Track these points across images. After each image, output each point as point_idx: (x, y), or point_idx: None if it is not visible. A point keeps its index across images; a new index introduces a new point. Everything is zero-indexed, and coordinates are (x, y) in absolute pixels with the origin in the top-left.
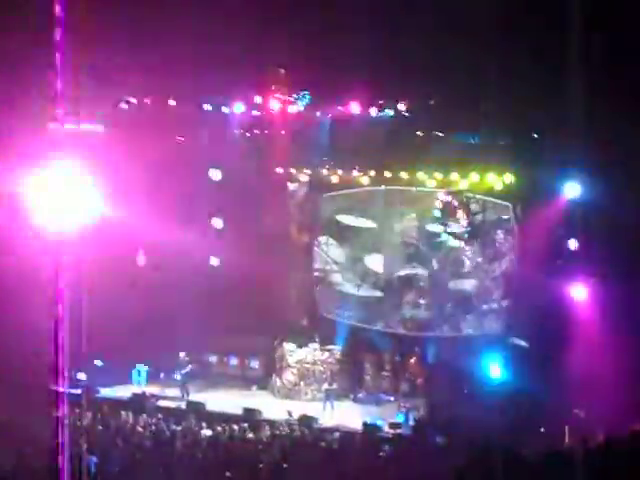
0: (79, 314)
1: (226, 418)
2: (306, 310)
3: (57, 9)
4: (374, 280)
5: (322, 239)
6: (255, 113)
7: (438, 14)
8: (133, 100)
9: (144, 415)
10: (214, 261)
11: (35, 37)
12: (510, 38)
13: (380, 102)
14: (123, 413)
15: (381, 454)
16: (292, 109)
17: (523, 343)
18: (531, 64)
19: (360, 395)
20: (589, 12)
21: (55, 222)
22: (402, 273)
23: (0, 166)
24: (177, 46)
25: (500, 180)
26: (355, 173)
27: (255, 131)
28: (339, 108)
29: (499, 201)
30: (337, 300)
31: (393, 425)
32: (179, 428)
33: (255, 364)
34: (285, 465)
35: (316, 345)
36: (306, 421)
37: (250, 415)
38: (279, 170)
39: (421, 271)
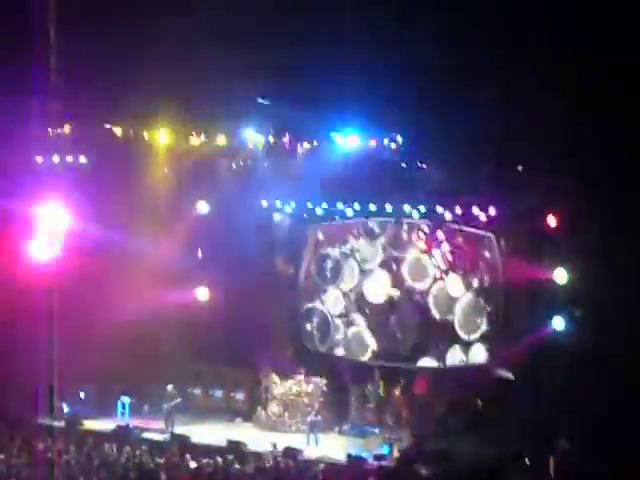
0: (62, 345)
1: (210, 450)
2: (291, 342)
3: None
4: (359, 311)
5: (307, 271)
6: (240, 145)
7: (423, 49)
8: (117, 132)
9: (128, 447)
10: (201, 294)
11: (16, 68)
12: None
13: (365, 134)
14: (106, 445)
15: None
16: (276, 141)
17: (509, 375)
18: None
19: (345, 427)
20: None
21: (34, 254)
22: (387, 304)
23: None
24: (161, 77)
25: (484, 212)
26: (340, 205)
27: (240, 163)
28: (324, 140)
29: (483, 232)
30: (322, 331)
31: (378, 457)
32: (163, 460)
33: (240, 396)
34: None
35: (301, 377)
36: (291, 453)
37: (234, 447)
38: (264, 202)
39: (406, 302)
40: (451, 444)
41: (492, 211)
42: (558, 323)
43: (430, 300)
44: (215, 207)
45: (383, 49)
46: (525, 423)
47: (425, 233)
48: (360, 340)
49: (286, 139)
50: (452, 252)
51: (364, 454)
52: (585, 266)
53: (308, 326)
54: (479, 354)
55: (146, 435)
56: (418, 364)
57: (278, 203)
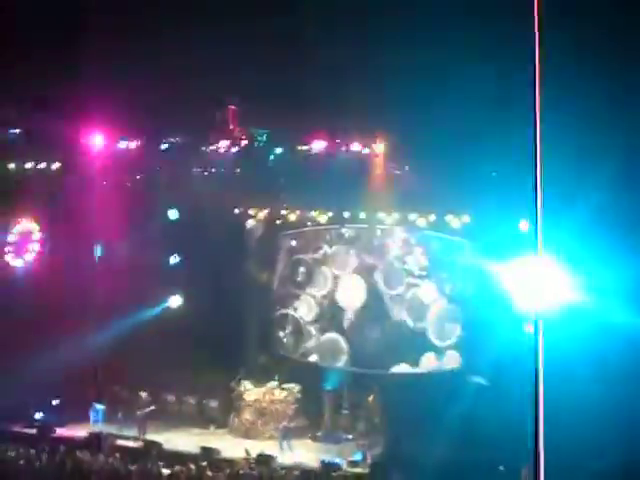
0: (34, 353)
1: (184, 457)
2: (265, 349)
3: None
4: (333, 318)
5: (280, 277)
6: (211, 151)
7: (393, 51)
8: (89, 140)
9: (101, 455)
10: (173, 301)
11: None
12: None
13: (338, 141)
14: (79, 453)
15: None
16: (249, 148)
17: (482, 381)
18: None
19: (318, 434)
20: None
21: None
22: (360, 311)
23: None
24: (133, 85)
25: (458, 218)
26: (313, 212)
27: (212, 170)
28: (298, 147)
29: (457, 238)
30: (296, 338)
31: (351, 463)
32: (136, 467)
33: (213, 403)
34: None
35: (274, 384)
36: (264, 460)
37: (208, 454)
38: (237, 209)
39: (379, 308)
40: (425, 450)
41: (465, 218)
42: (530, 329)
43: (404, 307)
44: (187, 214)
45: (355, 51)
46: (499, 428)
47: (399, 239)
48: (333, 346)
49: (259, 145)
50: (426, 258)
51: (338, 460)
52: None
53: (281, 333)
54: (453, 360)
55: (119, 442)
56: (392, 370)
57: (251, 210)
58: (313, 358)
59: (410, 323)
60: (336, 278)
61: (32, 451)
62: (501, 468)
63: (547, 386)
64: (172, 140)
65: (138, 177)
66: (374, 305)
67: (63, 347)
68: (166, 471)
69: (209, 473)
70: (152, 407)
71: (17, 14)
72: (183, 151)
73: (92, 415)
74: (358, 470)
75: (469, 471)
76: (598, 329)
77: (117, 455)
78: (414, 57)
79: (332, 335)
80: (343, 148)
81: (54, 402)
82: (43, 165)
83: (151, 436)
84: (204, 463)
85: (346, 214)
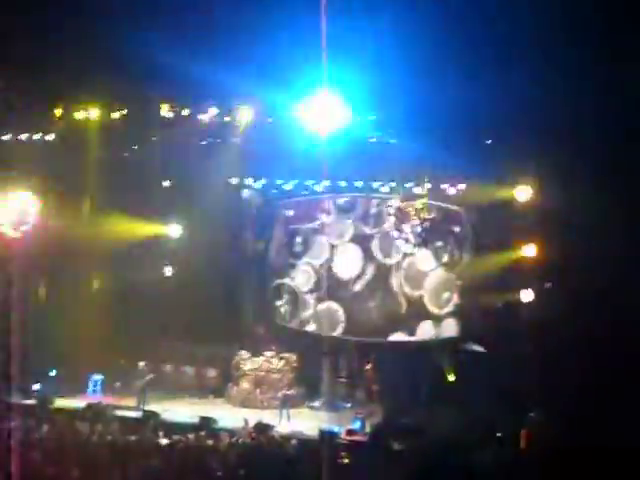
0: (32, 323)
1: (182, 427)
2: (262, 318)
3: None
4: (331, 287)
5: (277, 247)
6: (209, 121)
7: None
8: (84, 109)
9: (100, 425)
10: (168, 270)
11: None
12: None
13: (334, 109)
14: (78, 423)
15: (338, 461)
16: (244, 116)
17: (480, 348)
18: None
19: (316, 402)
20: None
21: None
22: (357, 279)
23: None
24: (130, 53)
25: (454, 186)
26: (309, 181)
27: (209, 139)
28: (293, 116)
29: (453, 207)
30: (293, 307)
31: (350, 432)
32: (135, 438)
33: (211, 373)
34: (242, 472)
35: (272, 352)
36: (262, 429)
37: (206, 423)
38: (234, 179)
39: (376, 277)
40: (423, 418)
41: (461, 185)
42: (527, 295)
43: (401, 275)
44: (183, 184)
45: (352, 20)
46: (496, 396)
47: (395, 208)
48: (331, 315)
49: (254, 115)
50: (422, 227)
51: (336, 429)
52: (554, 239)
53: (278, 302)
54: (450, 328)
55: (118, 413)
56: (389, 339)
57: (247, 180)
58: (310, 327)
59: (407, 291)
60: (333, 247)
61: (31, 422)
62: (499, 434)
63: None
64: (169, 109)
65: (135, 147)
66: (371, 274)
67: (61, 316)
68: (165, 441)
69: (208, 442)
70: (150, 376)
71: None
72: (180, 120)
73: (90, 385)
74: (357, 438)
75: (468, 438)
76: None
77: (116, 426)
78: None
79: (329, 304)
80: (339, 117)
81: (52, 373)
82: (38, 136)
83: (150, 406)
84: (203, 433)
85: (342, 183)
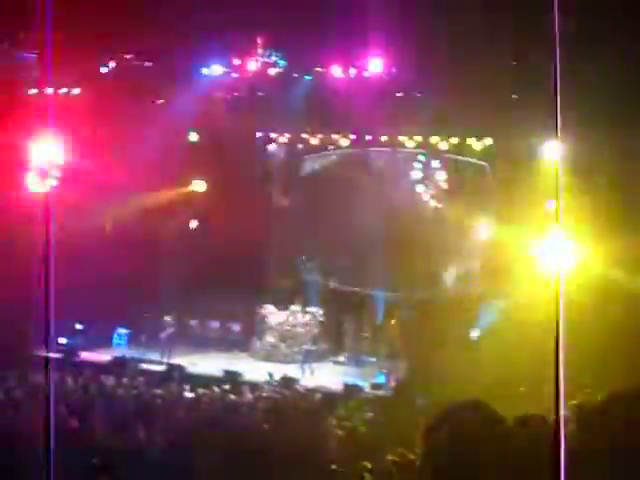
0: (57, 277)
1: (207, 381)
2: (287, 273)
3: None
4: (355, 242)
5: (303, 201)
6: (234, 75)
7: None
8: (112, 63)
9: (125, 379)
10: (193, 224)
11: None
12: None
13: (359, 63)
14: (103, 377)
15: (363, 415)
16: (271, 71)
17: (502, 306)
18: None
19: (341, 357)
20: None
21: (29, 184)
22: (382, 235)
23: None
24: (155, 9)
25: (479, 141)
26: (335, 136)
27: (234, 94)
28: (318, 69)
29: (479, 162)
30: (318, 262)
31: (374, 386)
32: (160, 391)
33: (236, 327)
34: (266, 426)
35: (297, 307)
36: (287, 383)
37: (231, 377)
38: (259, 133)
39: (402, 232)
40: (447, 372)
41: (487, 140)
42: (553, 255)
43: (425, 230)
44: (209, 139)
45: None
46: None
47: (420, 163)
48: (356, 270)
49: (281, 69)
50: (447, 181)
51: (360, 383)
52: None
53: (304, 256)
54: (473, 285)
55: (143, 366)
56: (415, 294)
57: (272, 134)
58: (335, 282)
59: (431, 248)
60: (359, 202)
61: (56, 375)
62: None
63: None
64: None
65: (159, 101)
66: (395, 229)
67: (86, 271)
68: (190, 394)
69: (232, 396)
70: (172, 329)
71: None
72: (204, 75)
73: (116, 339)
74: (381, 393)
75: (493, 391)
76: None
77: (141, 379)
78: None
79: (354, 259)
80: (364, 71)
81: (78, 326)
82: (64, 90)
83: (174, 360)
84: (227, 386)
85: (367, 137)
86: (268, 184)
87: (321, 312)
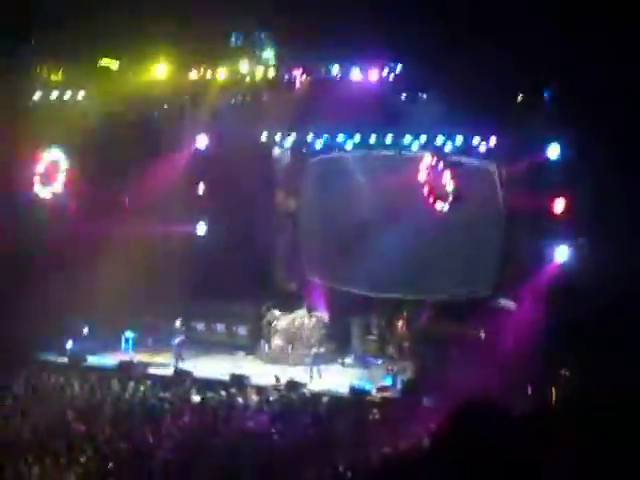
0: (65, 280)
1: (214, 384)
2: (294, 276)
3: None
4: (361, 245)
5: (308, 204)
6: (239, 78)
7: None
8: (115, 63)
9: (132, 382)
10: (200, 229)
11: None
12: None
13: (364, 65)
14: (110, 381)
15: (370, 418)
16: (275, 74)
17: (510, 304)
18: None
19: (347, 359)
20: None
21: (38, 190)
22: (388, 236)
23: None
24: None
25: (484, 142)
26: (340, 138)
27: (238, 97)
28: (323, 71)
29: (484, 162)
30: (325, 265)
31: (381, 388)
32: (167, 395)
33: (242, 330)
34: (273, 430)
35: (303, 310)
36: (293, 386)
37: (238, 381)
38: (264, 136)
39: (406, 233)
40: (454, 374)
41: (492, 141)
42: (560, 252)
43: (431, 231)
44: (214, 141)
45: None
46: (526, 353)
47: (425, 164)
48: (362, 271)
49: (285, 72)
50: (453, 183)
51: (367, 386)
52: (587, 195)
53: (311, 260)
54: (480, 285)
55: (150, 370)
56: (419, 295)
57: (278, 136)
58: (342, 285)
59: (438, 248)
60: (363, 204)
61: (63, 379)
62: (529, 390)
63: None
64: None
65: (165, 107)
66: (401, 230)
67: (91, 275)
68: (197, 398)
69: (239, 399)
70: (184, 335)
71: None
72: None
73: (123, 343)
74: (388, 395)
75: (499, 395)
76: None
77: (148, 383)
78: None
79: (360, 261)
80: (369, 72)
81: (85, 330)
82: (69, 94)
83: (182, 364)
84: (234, 390)
85: (372, 139)
86: (274, 187)
87: (327, 314)
